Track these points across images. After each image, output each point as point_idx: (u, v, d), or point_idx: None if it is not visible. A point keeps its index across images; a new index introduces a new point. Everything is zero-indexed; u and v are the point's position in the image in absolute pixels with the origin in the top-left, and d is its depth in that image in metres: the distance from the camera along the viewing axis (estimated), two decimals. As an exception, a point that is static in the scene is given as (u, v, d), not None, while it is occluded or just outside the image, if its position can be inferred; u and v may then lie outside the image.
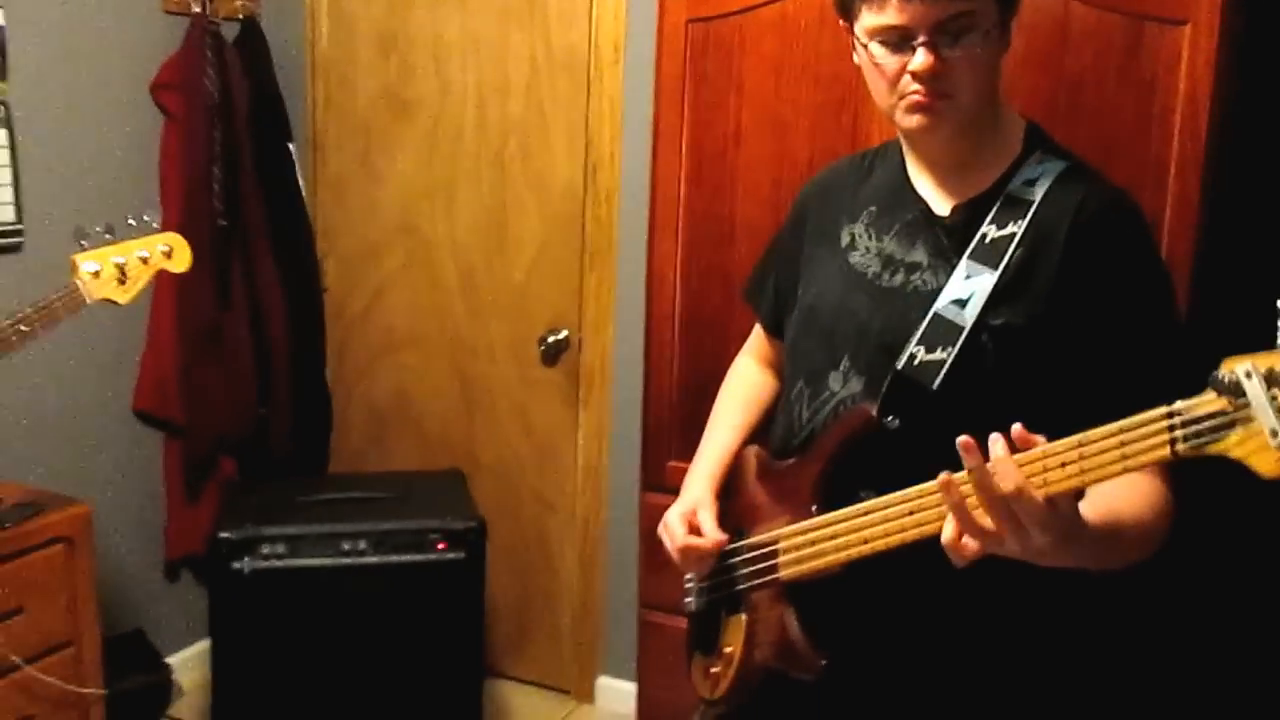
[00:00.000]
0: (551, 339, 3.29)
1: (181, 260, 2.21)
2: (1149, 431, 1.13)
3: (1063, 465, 1.18)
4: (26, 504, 2.44)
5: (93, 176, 3.01)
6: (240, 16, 3.29)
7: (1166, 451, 1.12)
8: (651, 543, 2.59)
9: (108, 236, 2.10)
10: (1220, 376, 1.08)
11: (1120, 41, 2.03)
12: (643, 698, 2.85)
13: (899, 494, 1.38)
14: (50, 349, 2.84)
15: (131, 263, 2.10)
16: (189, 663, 3.38)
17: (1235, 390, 1.06)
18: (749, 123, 2.40)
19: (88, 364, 3.07)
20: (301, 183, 3.44)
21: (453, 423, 3.51)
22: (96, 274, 2.05)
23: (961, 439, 1.20)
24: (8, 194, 2.79)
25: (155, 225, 2.20)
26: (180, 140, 3.14)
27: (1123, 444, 1.15)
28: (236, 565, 2.68)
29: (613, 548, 3.32)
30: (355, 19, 3.43)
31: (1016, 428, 1.22)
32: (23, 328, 1.91)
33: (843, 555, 1.46)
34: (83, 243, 2.06)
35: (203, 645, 3.21)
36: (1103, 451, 1.16)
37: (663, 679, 2.68)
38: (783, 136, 2.35)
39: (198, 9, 3.14)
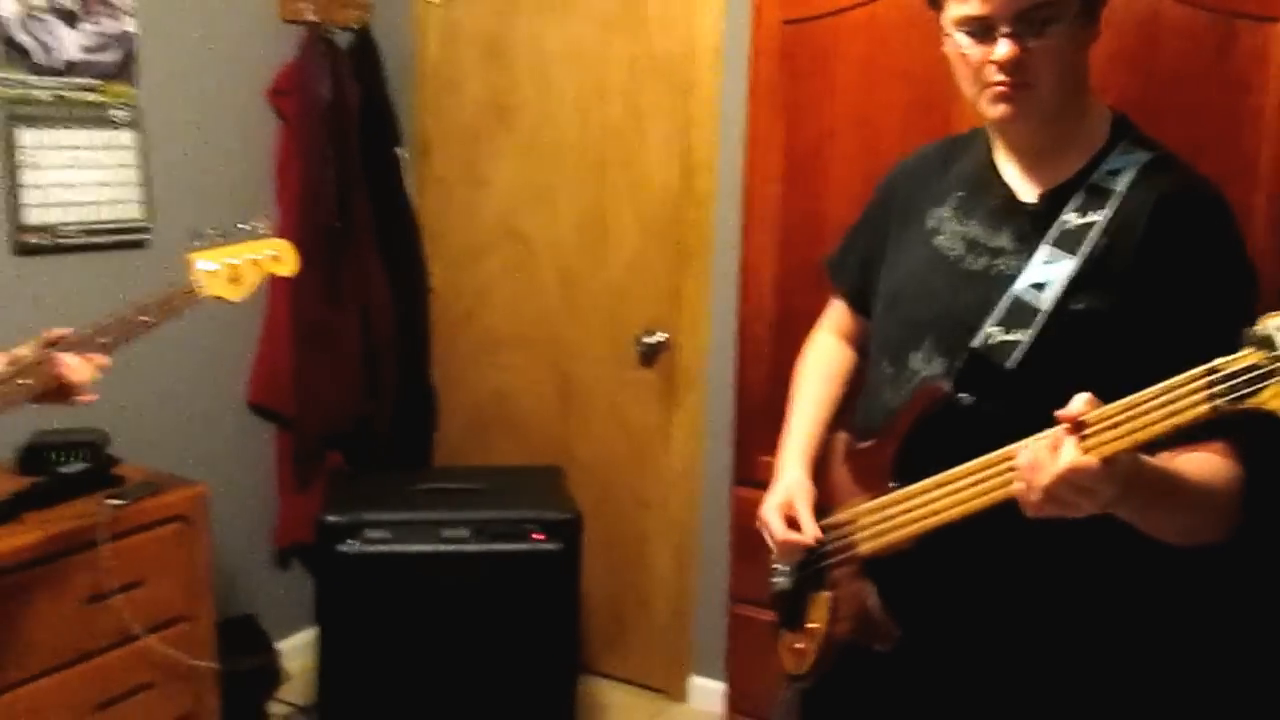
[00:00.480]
0: (648, 340, 3.37)
1: (288, 265, 2.30)
2: (1191, 389, 1.18)
3: (1114, 426, 1.24)
4: (148, 483, 2.58)
5: (214, 177, 3.17)
6: (354, 26, 3.43)
7: (1206, 407, 1.17)
8: (742, 536, 2.65)
9: (222, 238, 2.19)
10: (1255, 332, 1.11)
11: (1210, 39, 2.02)
12: (732, 689, 2.90)
13: (966, 466, 1.43)
14: (173, 343, 2.99)
15: (243, 264, 2.19)
16: (296, 649, 3.51)
17: (1268, 344, 1.09)
18: (841, 122, 2.45)
19: (207, 358, 3.23)
20: (409, 186, 3.57)
21: (551, 421, 3.60)
22: (211, 272, 2.14)
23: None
24: (136, 193, 2.96)
25: (265, 231, 2.29)
26: (295, 144, 3.29)
27: (1167, 402, 1.20)
28: (342, 548, 2.78)
29: (706, 546, 3.36)
30: (462, 28, 3.55)
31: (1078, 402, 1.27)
32: (144, 317, 1.99)
33: (915, 528, 1.52)
34: (197, 242, 2.16)
35: (309, 633, 3.33)
36: (1149, 411, 1.22)
37: (751, 672, 2.73)
38: (873, 135, 2.39)
39: (313, 18, 3.29)
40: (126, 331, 1.95)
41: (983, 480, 1.41)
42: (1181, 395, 1.19)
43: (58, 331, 1.91)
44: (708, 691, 3.40)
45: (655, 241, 3.33)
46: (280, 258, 2.27)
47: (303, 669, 3.44)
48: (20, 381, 1.83)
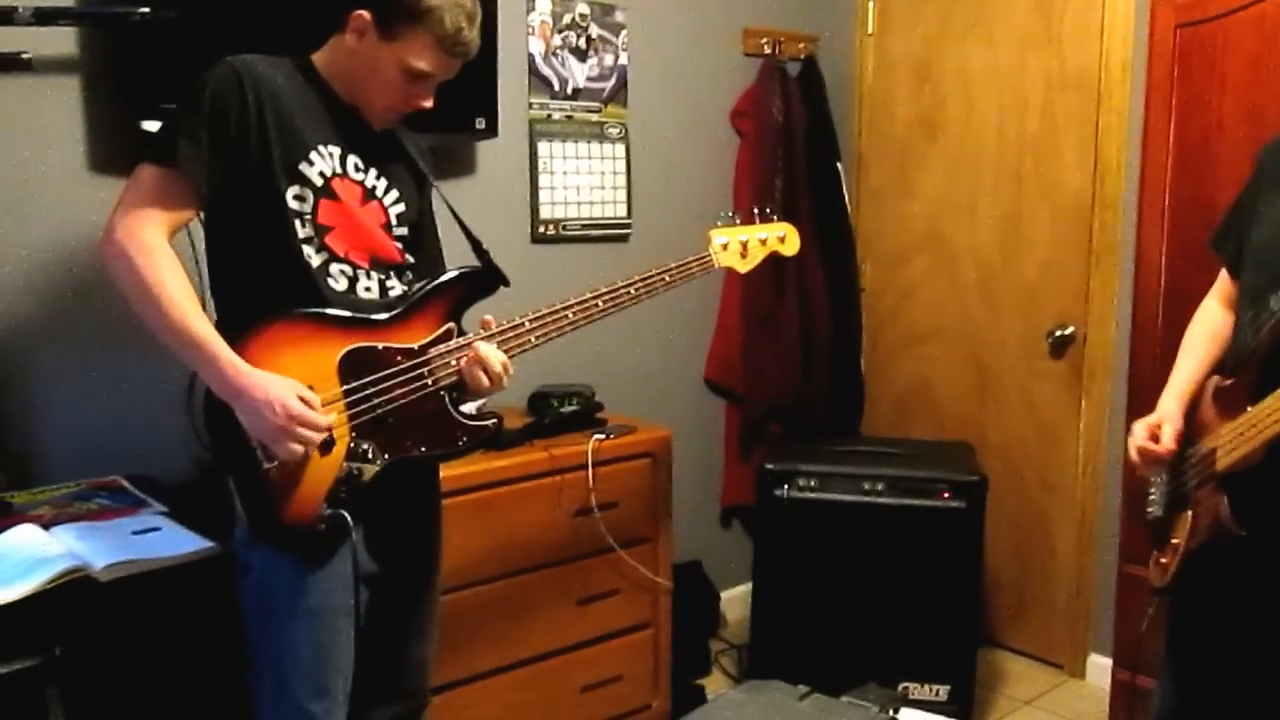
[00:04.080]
0: (1059, 333, 3.59)
1: (791, 245, 2.55)
2: None
3: None
4: (625, 426, 3.15)
5: (684, 184, 3.77)
6: (802, 56, 3.95)
7: None
8: (1132, 500, 2.82)
9: (737, 220, 2.50)
10: None
11: None
12: (1118, 645, 3.04)
13: None
14: (650, 323, 3.61)
15: (753, 242, 2.48)
16: (733, 600, 3.99)
17: None
18: (1229, 113, 2.62)
19: (675, 339, 3.81)
20: (846, 196, 4.02)
21: (967, 407, 3.90)
22: (725, 246, 2.45)
23: None
24: (624, 195, 3.60)
25: (774, 214, 2.57)
26: (750, 158, 3.83)
27: None
28: (778, 492, 3.23)
29: (1109, 532, 3.48)
30: (895, 55, 3.98)
31: None
32: (667, 277, 2.30)
33: (1264, 435, 1.72)
34: (719, 222, 2.47)
35: (746, 587, 3.78)
36: None
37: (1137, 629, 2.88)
38: (1260, 123, 2.56)
39: (769, 50, 3.84)
40: (649, 286, 2.25)
41: None
42: None
43: (489, 319, 2.06)
44: (1106, 669, 3.48)
45: (1067, 242, 3.56)
46: (786, 238, 2.54)
47: (737, 619, 3.91)
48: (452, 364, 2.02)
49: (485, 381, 2.00)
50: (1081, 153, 3.49)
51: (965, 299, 3.87)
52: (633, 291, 2.20)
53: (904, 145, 4.00)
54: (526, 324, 2.08)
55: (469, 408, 2.07)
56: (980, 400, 3.86)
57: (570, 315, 2.12)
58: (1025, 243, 3.68)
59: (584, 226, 3.53)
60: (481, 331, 2.04)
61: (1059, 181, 3.57)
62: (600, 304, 2.16)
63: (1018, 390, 3.76)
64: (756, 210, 2.54)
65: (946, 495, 3.18)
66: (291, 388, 1.82)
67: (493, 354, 2.00)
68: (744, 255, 2.46)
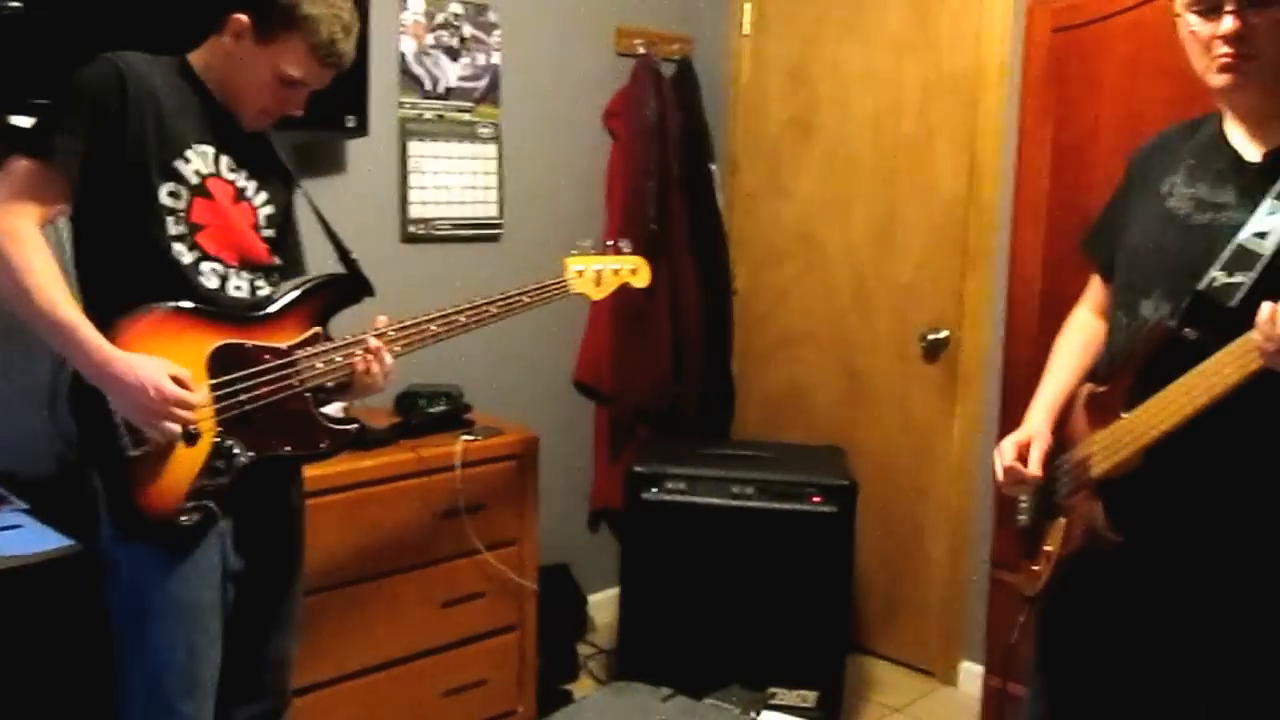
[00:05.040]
0: (932, 337, 3.94)
1: (642, 279, 2.88)
2: None
3: None
4: (492, 427, 3.39)
5: (556, 184, 4.05)
6: (677, 56, 4.28)
7: None
8: (1004, 505, 3.03)
9: (592, 249, 2.84)
10: None
11: None
12: (990, 651, 3.38)
13: (1177, 381, 1.80)
14: (516, 322, 3.77)
15: (606, 272, 2.81)
16: (602, 604, 4.27)
17: None
18: (1106, 118, 2.91)
19: (543, 338, 4.06)
20: (720, 197, 4.34)
21: (839, 411, 4.25)
22: (580, 274, 2.77)
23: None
24: (495, 195, 3.86)
25: (628, 249, 2.90)
26: (623, 158, 4.13)
27: None
28: (646, 495, 3.52)
29: (981, 535, 3.79)
30: (771, 56, 4.33)
31: None
32: (525, 299, 2.60)
33: (1140, 442, 1.89)
34: (573, 251, 2.79)
35: (614, 591, 4.02)
36: None
37: (1007, 636, 3.13)
38: (1136, 128, 2.77)
39: (643, 50, 4.15)
40: (508, 308, 2.56)
41: (1210, 375, 1.75)
42: None
43: (382, 320, 2.35)
44: (978, 676, 3.79)
45: (941, 245, 3.91)
46: (637, 272, 2.87)
47: (606, 622, 4.19)
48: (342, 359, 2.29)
49: (380, 380, 2.28)
50: (957, 156, 3.83)
51: (838, 301, 4.21)
52: (493, 310, 2.51)
53: (778, 147, 4.33)
54: (390, 333, 2.35)
55: (333, 409, 2.32)
56: (852, 404, 4.21)
57: (433, 328, 2.40)
58: (899, 245, 4.02)
59: (454, 226, 3.78)
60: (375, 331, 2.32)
61: (934, 184, 3.91)
62: (463, 319, 2.45)
63: (890, 394, 4.10)
64: (611, 242, 2.89)
65: (816, 499, 3.47)
66: (163, 367, 2.01)
67: (385, 353, 2.29)
68: (598, 284, 2.79)
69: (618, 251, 2.85)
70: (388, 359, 2.30)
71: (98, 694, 2.22)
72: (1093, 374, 2.18)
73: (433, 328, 2.39)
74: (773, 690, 3.49)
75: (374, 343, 2.29)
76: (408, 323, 2.37)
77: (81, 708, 2.29)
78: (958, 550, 3.94)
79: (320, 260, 2.45)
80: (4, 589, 2.16)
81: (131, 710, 2.18)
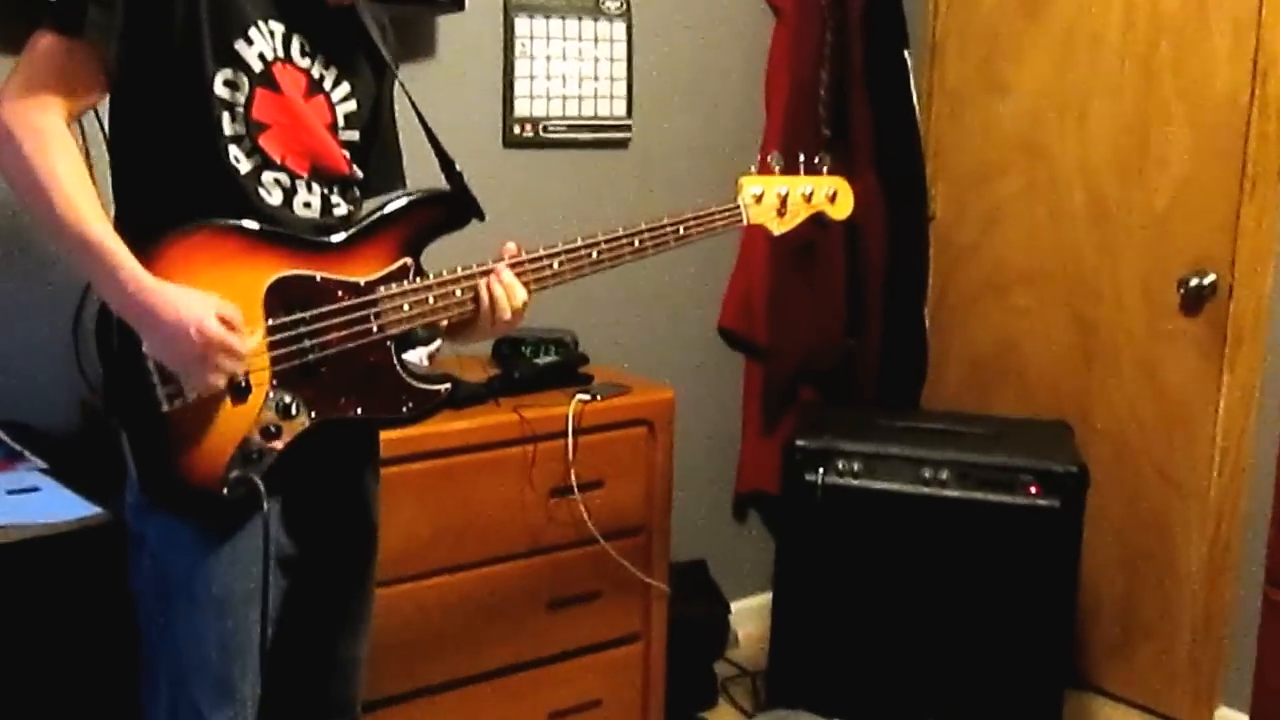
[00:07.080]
0: (1194, 282, 3.79)
1: (843, 208, 2.75)
2: None
3: None
4: (617, 385, 3.39)
5: (700, 76, 4.00)
6: (862, -93, 4.18)
7: None
8: None
9: (779, 165, 2.68)
10: None
11: None
12: (1260, 701, 3.30)
13: None
14: (655, 257, 3.81)
15: (794, 197, 2.67)
16: (747, 613, 4.25)
17: None
18: None
19: (683, 276, 4.03)
20: (915, 95, 4.25)
21: (1065, 377, 4.15)
22: (758, 198, 2.63)
23: None
24: (623, 89, 3.84)
25: (828, 166, 2.76)
26: (789, 42, 4.07)
27: None
28: (810, 477, 3.48)
29: (1251, 544, 3.69)
30: (989, -93, 4.20)
31: None
32: (682, 230, 2.50)
33: None
34: (752, 168, 2.66)
35: (764, 598, 4.05)
36: None
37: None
38: None
39: (818, -99, 4.06)
40: (657, 241, 2.48)
41: None
42: None
43: (511, 247, 2.31)
44: None
45: (1212, 162, 3.75)
46: (837, 197, 2.75)
47: (751, 636, 4.17)
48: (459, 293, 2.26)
49: (506, 318, 2.25)
50: (1237, 40, 3.65)
51: (1069, 233, 4.10)
52: (637, 244, 2.45)
53: (995, 27, 4.21)
54: (546, 258, 2.32)
55: (414, 356, 2.31)
56: (1084, 368, 4.10)
57: (555, 265, 2.35)
58: (1153, 160, 3.88)
59: (571, 128, 3.78)
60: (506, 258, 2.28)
61: (1204, 78, 3.74)
62: (594, 254, 2.39)
63: (1135, 356, 3.98)
64: (803, 158, 2.73)
65: (1034, 490, 3.41)
66: (208, 303, 2.00)
67: (519, 287, 2.26)
68: (781, 213, 2.68)
69: (813, 169, 2.72)
70: (520, 294, 2.26)
71: (126, 689, 2.26)
72: None
73: (555, 265, 2.34)
74: (967, 734, 3.46)
75: (507, 275, 2.26)
76: (524, 257, 2.32)
77: (108, 704, 2.34)
78: (1220, 562, 3.83)
79: (414, 172, 2.43)
80: (20, 564, 2.20)
81: (155, 712, 2.21)
